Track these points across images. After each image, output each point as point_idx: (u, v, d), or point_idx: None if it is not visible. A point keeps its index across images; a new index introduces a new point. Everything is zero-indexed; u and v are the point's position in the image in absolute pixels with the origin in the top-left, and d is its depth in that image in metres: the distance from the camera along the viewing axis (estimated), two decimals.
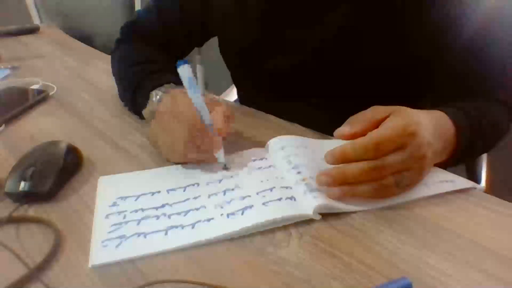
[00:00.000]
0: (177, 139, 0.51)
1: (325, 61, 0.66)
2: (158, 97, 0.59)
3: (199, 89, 0.51)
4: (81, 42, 1.25)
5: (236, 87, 0.88)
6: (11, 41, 1.26)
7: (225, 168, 0.53)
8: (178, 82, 0.56)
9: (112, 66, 0.79)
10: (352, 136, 0.46)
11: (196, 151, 0.51)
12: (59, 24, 1.55)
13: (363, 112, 0.48)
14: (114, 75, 0.77)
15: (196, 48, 0.85)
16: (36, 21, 1.77)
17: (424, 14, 0.59)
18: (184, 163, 0.54)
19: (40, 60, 1.07)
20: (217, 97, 0.56)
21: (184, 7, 0.75)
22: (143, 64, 0.69)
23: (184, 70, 0.50)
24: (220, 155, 0.53)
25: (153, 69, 0.67)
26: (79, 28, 1.61)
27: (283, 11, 0.66)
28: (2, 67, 1.00)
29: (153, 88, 0.60)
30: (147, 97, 0.60)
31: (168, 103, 0.55)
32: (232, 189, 0.49)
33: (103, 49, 1.14)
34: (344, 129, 0.47)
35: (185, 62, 0.50)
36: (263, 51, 0.70)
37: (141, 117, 0.64)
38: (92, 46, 1.19)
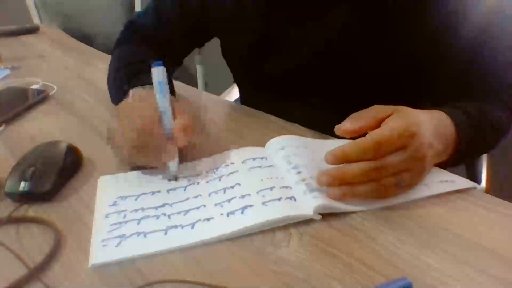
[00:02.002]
0: (127, 138, 0.50)
1: (325, 61, 0.66)
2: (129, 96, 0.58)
3: (167, 95, 0.50)
4: (81, 42, 1.25)
5: (238, 86, 0.88)
6: (11, 41, 1.26)
7: (175, 179, 0.51)
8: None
9: (108, 67, 0.79)
10: (353, 133, 0.46)
11: (142, 155, 0.50)
12: (59, 24, 1.55)
13: (364, 110, 0.48)
14: (107, 76, 0.77)
15: (196, 48, 0.85)
16: (36, 21, 1.77)
17: (424, 14, 0.59)
18: (139, 167, 0.53)
19: (40, 60, 1.07)
20: (190, 105, 0.54)
21: (183, 8, 0.75)
22: (134, 64, 0.69)
23: (156, 72, 0.49)
24: (173, 164, 0.51)
25: (140, 70, 0.66)
26: (79, 28, 1.61)
27: (282, 11, 0.66)
28: (2, 67, 1.00)
29: (133, 87, 0.59)
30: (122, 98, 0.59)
31: (131, 101, 0.54)
32: (232, 187, 0.49)
33: (103, 49, 1.14)
34: (345, 125, 0.47)
35: (160, 64, 0.49)
36: (263, 52, 0.70)
37: None
38: (92, 46, 1.19)
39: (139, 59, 0.70)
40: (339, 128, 0.47)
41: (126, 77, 0.65)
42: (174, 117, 0.52)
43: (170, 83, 0.74)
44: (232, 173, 0.51)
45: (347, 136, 0.47)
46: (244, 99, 0.88)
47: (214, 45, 0.83)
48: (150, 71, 0.51)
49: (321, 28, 0.64)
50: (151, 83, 0.54)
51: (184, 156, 0.54)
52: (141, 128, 0.49)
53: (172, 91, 0.72)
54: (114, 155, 0.54)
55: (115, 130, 0.52)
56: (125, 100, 0.57)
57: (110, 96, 0.72)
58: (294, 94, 0.72)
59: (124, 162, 0.54)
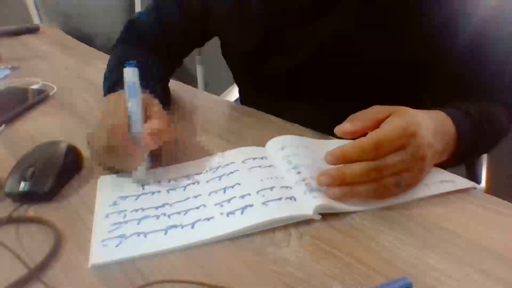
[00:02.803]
0: (99, 139, 0.49)
1: (324, 61, 0.66)
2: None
3: (138, 96, 0.49)
4: (81, 42, 1.25)
5: (238, 86, 0.88)
6: (11, 41, 1.26)
7: (141, 185, 0.50)
8: (146, 86, 0.55)
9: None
10: (353, 134, 0.46)
11: (111, 158, 0.50)
12: (59, 24, 1.55)
13: (364, 110, 0.48)
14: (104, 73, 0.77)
15: (196, 48, 0.85)
16: (36, 21, 1.77)
17: (422, 15, 0.59)
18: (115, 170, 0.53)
19: (40, 60, 1.07)
20: (160, 109, 0.53)
21: (184, 8, 0.75)
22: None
23: (128, 73, 0.48)
24: (140, 169, 0.50)
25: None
26: (79, 28, 1.61)
27: (282, 12, 0.66)
28: (2, 67, 1.00)
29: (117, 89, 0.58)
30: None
31: (107, 103, 0.54)
32: (232, 187, 0.49)
33: (103, 49, 1.14)
34: (345, 126, 0.47)
35: (133, 65, 0.49)
36: (263, 52, 0.70)
37: None
38: (92, 46, 1.19)
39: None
40: (339, 130, 0.47)
41: (115, 77, 0.65)
42: (146, 120, 0.50)
43: (166, 85, 0.74)
44: (232, 172, 0.51)
45: (347, 137, 0.47)
46: (244, 99, 0.88)
47: (214, 45, 0.83)
48: (144, 75, 0.50)
49: (320, 29, 0.64)
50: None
51: (162, 161, 0.54)
52: (111, 130, 0.48)
53: (166, 94, 0.72)
54: (91, 158, 0.54)
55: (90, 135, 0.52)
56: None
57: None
58: (294, 94, 0.72)
59: (99, 165, 0.54)
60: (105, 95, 0.66)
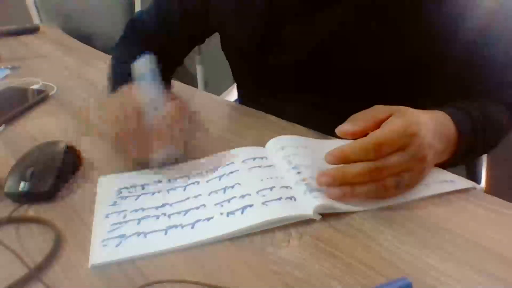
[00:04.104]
0: (114, 129, 0.51)
1: (324, 58, 0.66)
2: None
3: (154, 86, 0.50)
4: (81, 42, 1.25)
5: (237, 83, 0.88)
6: (11, 41, 1.26)
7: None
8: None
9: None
10: (353, 134, 0.46)
11: (131, 146, 0.50)
12: (59, 24, 1.55)
13: (365, 111, 0.48)
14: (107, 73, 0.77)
15: (196, 48, 0.86)
16: (36, 21, 1.77)
17: (423, 13, 0.59)
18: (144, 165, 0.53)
19: (40, 60, 1.07)
20: (180, 97, 0.55)
21: (184, 4, 0.75)
22: (129, 63, 0.69)
23: (143, 63, 0.49)
24: (159, 156, 0.51)
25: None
26: (79, 28, 1.61)
27: (282, 7, 0.66)
28: (2, 67, 1.00)
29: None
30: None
31: (118, 94, 0.55)
32: (232, 187, 0.49)
33: (103, 49, 1.15)
34: (346, 126, 0.47)
35: (146, 56, 0.49)
36: (262, 47, 0.70)
37: None
38: (92, 46, 1.19)
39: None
40: (340, 130, 0.47)
41: (122, 73, 0.65)
42: (162, 110, 0.51)
43: (168, 83, 0.75)
44: (232, 172, 0.51)
45: (348, 137, 0.47)
46: (243, 99, 0.88)
47: (214, 45, 0.83)
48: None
49: (321, 24, 0.64)
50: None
51: (183, 151, 0.54)
52: (125, 119, 0.49)
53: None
54: (116, 151, 0.55)
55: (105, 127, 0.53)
56: (114, 94, 0.57)
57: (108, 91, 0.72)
58: (293, 90, 0.72)
59: (127, 159, 0.54)
60: (113, 90, 0.67)
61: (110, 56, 0.81)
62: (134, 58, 0.69)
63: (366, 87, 0.64)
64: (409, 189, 0.46)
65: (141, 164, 0.54)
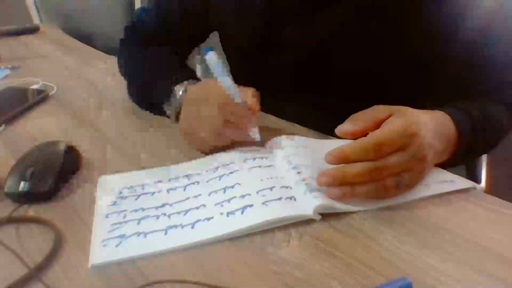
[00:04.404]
0: (214, 121, 0.53)
1: (324, 58, 0.66)
2: (181, 92, 0.61)
3: (227, 73, 0.52)
4: (81, 42, 1.25)
5: (236, 83, 0.88)
6: (11, 41, 1.26)
7: (261, 144, 0.55)
8: (196, 79, 0.60)
9: (121, 67, 0.79)
10: (353, 134, 0.46)
11: (234, 130, 0.53)
12: (59, 24, 1.55)
13: (364, 111, 0.48)
14: (125, 75, 0.77)
15: (196, 49, 0.85)
16: (36, 21, 1.77)
17: (423, 13, 0.59)
18: (216, 150, 0.56)
19: (40, 60, 1.07)
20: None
21: (184, 3, 0.75)
22: (158, 63, 0.70)
23: (211, 57, 0.51)
24: (255, 132, 0.55)
25: (169, 67, 0.68)
26: (79, 28, 1.61)
27: (282, 7, 0.66)
28: (2, 67, 1.00)
29: (175, 84, 0.62)
30: (168, 95, 0.62)
31: (197, 90, 0.57)
32: (232, 187, 0.49)
33: (103, 49, 1.15)
34: (346, 126, 0.47)
35: (211, 49, 0.52)
36: (262, 47, 0.70)
37: (161, 114, 0.66)
38: (92, 46, 1.19)
39: (164, 58, 0.73)
40: (340, 130, 0.47)
41: (154, 75, 0.68)
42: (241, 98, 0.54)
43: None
44: (232, 172, 0.51)
45: (348, 137, 0.47)
46: None
47: (214, 46, 0.83)
48: (183, 68, 0.57)
49: (321, 24, 0.64)
50: (189, 79, 0.61)
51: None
52: (225, 104, 0.52)
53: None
54: (198, 146, 0.57)
55: (191, 119, 0.56)
56: (189, 91, 0.60)
57: (138, 100, 0.74)
58: (293, 91, 0.72)
59: (211, 141, 0.56)
60: (147, 102, 0.69)
61: (110, 56, 0.81)
62: (160, 59, 0.72)
63: (366, 87, 0.64)
64: (409, 189, 0.46)
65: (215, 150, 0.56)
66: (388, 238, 0.41)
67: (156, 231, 0.43)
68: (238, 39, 0.74)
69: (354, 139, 0.45)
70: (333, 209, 0.44)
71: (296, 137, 0.58)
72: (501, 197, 0.47)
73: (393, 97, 0.52)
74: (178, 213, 0.46)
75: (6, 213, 0.46)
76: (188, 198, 0.48)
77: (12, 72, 0.97)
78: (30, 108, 0.76)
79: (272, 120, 0.68)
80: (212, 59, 0.51)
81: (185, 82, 0.62)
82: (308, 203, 0.44)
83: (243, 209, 0.45)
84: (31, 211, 0.47)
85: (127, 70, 0.78)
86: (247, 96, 0.54)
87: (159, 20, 0.78)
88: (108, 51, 1.08)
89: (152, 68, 0.71)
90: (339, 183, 0.44)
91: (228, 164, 0.53)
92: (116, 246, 0.41)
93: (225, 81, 0.52)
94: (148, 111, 0.71)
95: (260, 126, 0.56)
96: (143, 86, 0.72)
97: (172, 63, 0.71)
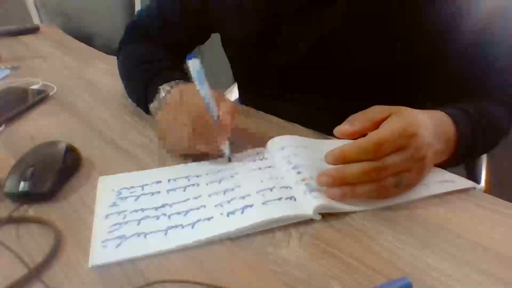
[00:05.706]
0: (183, 129, 0.52)
1: (323, 58, 0.66)
2: (165, 92, 0.60)
3: (207, 84, 0.52)
4: (81, 42, 1.25)
5: (237, 83, 0.88)
6: (11, 41, 1.26)
7: (229, 160, 0.54)
8: (187, 79, 0.58)
9: (119, 67, 0.79)
10: (352, 135, 0.46)
11: (203, 142, 0.52)
12: (59, 24, 1.55)
13: (363, 111, 0.48)
14: (121, 75, 0.77)
15: (196, 49, 0.85)
16: (36, 21, 1.77)
17: (422, 13, 0.59)
18: (187, 157, 0.55)
19: (40, 60, 1.07)
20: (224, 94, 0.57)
21: (184, 4, 0.75)
22: (152, 62, 0.70)
23: (193, 64, 0.51)
24: (225, 147, 0.54)
25: (163, 67, 0.68)
26: (79, 28, 1.61)
27: (280, 6, 0.66)
28: (2, 67, 1.00)
29: (163, 84, 0.61)
30: (153, 93, 0.61)
31: (176, 95, 0.56)
32: (232, 189, 0.49)
33: (103, 49, 1.14)
34: (345, 127, 0.47)
35: (194, 57, 0.51)
36: (261, 45, 0.70)
37: (146, 112, 0.66)
38: (92, 46, 1.19)
39: (158, 57, 0.72)
40: (339, 131, 0.47)
41: (146, 75, 0.67)
42: (217, 107, 0.53)
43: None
44: (232, 176, 0.51)
45: (347, 138, 0.47)
46: (242, 98, 0.88)
47: (214, 46, 0.83)
48: (176, 68, 0.56)
49: (317, 23, 0.64)
50: (179, 79, 0.60)
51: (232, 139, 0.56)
52: (199, 115, 0.52)
53: None
54: (169, 151, 0.57)
55: (164, 123, 0.55)
56: (170, 94, 0.59)
57: (133, 99, 0.73)
58: (293, 91, 0.72)
59: (178, 150, 0.56)
60: (140, 101, 0.69)
61: (110, 56, 0.81)
62: (154, 58, 0.72)
63: (365, 87, 0.64)
64: (409, 189, 0.46)
65: (194, 157, 0.56)
66: (388, 238, 0.41)
67: (156, 231, 0.43)
68: (236, 38, 0.74)
69: (353, 139, 0.45)
70: (333, 209, 0.44)
71: (296, 137, 0.58)
72: (501, 197, 0.47)
73: (393, 97, 0.52)
74: (178, 213, 0.46)
75: (6, 213, 0.46)
76: (188, 199, 0.48)
77: (12, 72, 0.97)
78: (30, 108, 0.75)
79: (272, 120, 0.68)
80: (193, 67, 0.51)
81: (172, 82, 0.61)
82: (308, 203, 0.44)
83: (243, 209, 0.45)
84: (31, 211, 0.47)
85: (121, 69, 0.78)
86: (225, 109, 0.53)
87: (159, 20, 0.78)
88: (108, 51, 1.08)
89: (144, 66, 0.70)
90: (339, 183, 0.44)
91: (228, 167, 0.53)
92: (116, 246, 0.41)
93: (203, 91, 0.51)
94: (141, 109, 0.71)
95: (235, 140, 0.56)
96: (132, 81, 0.72)
97: (165, 62, 0.71)
